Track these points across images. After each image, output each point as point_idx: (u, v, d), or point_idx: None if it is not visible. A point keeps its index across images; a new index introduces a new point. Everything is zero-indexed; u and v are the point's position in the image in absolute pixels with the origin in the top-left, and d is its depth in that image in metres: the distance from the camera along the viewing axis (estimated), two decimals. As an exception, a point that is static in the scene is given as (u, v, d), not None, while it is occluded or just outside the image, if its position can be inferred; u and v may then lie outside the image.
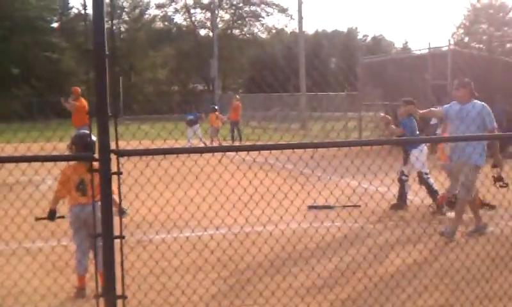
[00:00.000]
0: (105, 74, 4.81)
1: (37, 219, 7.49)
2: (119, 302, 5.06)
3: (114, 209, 5.65)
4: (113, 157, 4.94)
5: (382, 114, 13.77)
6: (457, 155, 9.84)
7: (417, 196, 10.07)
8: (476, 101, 10.11)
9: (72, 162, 7.18)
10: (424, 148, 12.72)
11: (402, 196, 12.54)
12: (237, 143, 26.82)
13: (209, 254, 7.75)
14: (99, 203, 6.17)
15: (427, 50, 29.86)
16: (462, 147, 9.68)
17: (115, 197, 6.33)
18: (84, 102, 19.28)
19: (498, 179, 9.83)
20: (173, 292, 7.00)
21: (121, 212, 6.37)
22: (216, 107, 30.14)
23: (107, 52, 4.80)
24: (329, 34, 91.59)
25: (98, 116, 4.78)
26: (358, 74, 33.38)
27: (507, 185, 9.80)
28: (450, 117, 10.17)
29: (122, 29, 71.49)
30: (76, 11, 72.88)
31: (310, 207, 10.84)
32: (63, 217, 7.45)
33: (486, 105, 10.05)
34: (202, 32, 76.53)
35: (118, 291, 5.03)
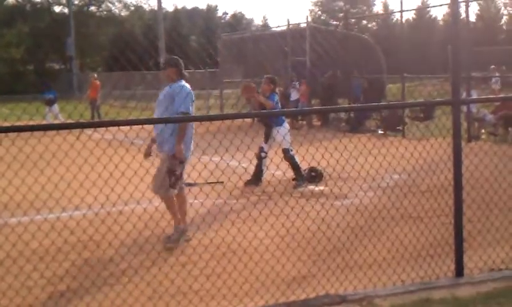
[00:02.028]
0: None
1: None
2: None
3: None
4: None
5: (246, 84, 13.62)
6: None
7: (279, 170, 10.16)
8: (181, 82, 8.71)
9: None
10: (286, 124, 12.88)
11: (257, 172, 12.64)
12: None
13: (69, 234, 7.51)
14: None
15: (286, 27, 30.30)
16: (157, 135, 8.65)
17: None
18: None
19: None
20: (31, 275, 6.73)
21: None
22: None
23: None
24: (189, 12, 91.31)
25: None
26: (219, 51, 33.44)
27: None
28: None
29: (-28, 5, 68.48)
30: None
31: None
32: None
33: (183, 86, 8.63)
34: (57, 9, 74.34)
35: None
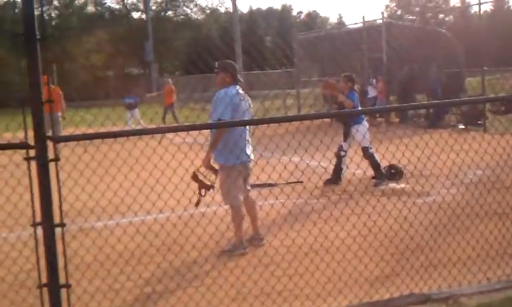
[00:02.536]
0: (37, 60, 4.68)
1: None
2: (63, 291, 4.96)
3: None
4: (50, 143, 4.82)
5: (327, 81, 13.48)
6: None
7: (359, 169, 10.10)
8: (229, 89, 8.37)
9: None
10: (365, 122, 12.80)
11: (337, 171, 12.61)
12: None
13: (153, 237, 7.64)
14: None
15: (361, 24, 30.08)
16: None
17: None
18: (54, 88, 18.99)
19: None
20: (118, 278, 6.89)
21: None
22: None
23: (38, 37, 4.68)
24: (264, 13, 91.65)
25: (32, 102, 4.66)
26: (295, 50, 33.43)
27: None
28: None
29: (53, 15, 70.16)
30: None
31: (253, 185, 10.77)
32: None
33: (226, 93, 8.30)
34: (135, 15, 75.62)
35: (62, 280, 4.93)
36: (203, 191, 8.11)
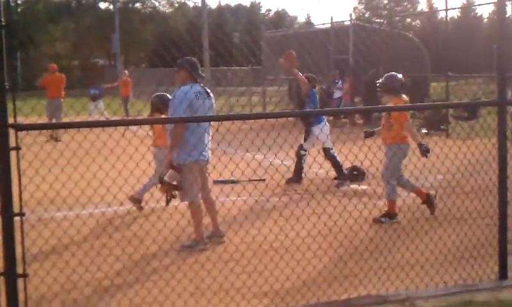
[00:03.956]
0: (1, 46, 4.64)
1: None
2: (20, 280, 4.92)
3: None
4: (12, 131, 4.77)
5: (289, 52, 13.14)
6: None
7: (322, 169, 10.15)
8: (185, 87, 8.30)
9: None
10: (326, 123, 12.83)
11: (298, 170, 12.64)
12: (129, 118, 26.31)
13: (113, 230, 7.62)
14: None
15: (329, 25, 30.20)
16: None
17: None
18: (60, 76, 22.81)
19: None
20: (77, 269, 6.84)
21: None
22: None
23: (3, 23, 4.63)
24: (233, 9, 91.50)
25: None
26: (262, 48, 33.43)
27: None
28: None
29: (19, 1, 69.39)
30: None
31: (216, 181, 10.76)
32: None
33: (179, 91, 8.26)
34: (102, 5, 75.08)
35: (19, 270, 4.89)
36: (173, 192, 8.14)
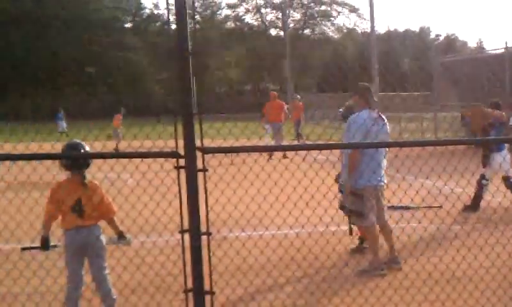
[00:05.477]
0: (189, 72, 4.86)
1: (23, 249, 6.88)
2: (207, 297, 5.09)
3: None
4: (198, 154, 4.96)
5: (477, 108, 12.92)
6: None
7: (506, 198, 9.82)
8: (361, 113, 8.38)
9: (62, 180, 6.48)
10: (507, 151, 12.41)
11: (476, 198, 12.27)
12: (301, 141, 26.52)
13: (295, 252, 7.73)
14: (97, 225, 6.28)
15: (503, 50, 29.26)
16: None
17: (116, 220, 6.46)
18: (279, 102, 25.12)
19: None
20: (260, 289, 7.01)
21: (122, 237, 6.48)
22: (123, 109, 29.45)
23: (190, 51, 4.85)
24: (401, 34, 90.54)
25: (183, 113, 4.82)
26: (433, 74, 32.87)
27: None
28: None
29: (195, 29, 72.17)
30: (148, 11, 74.24)
31: (391, 207, 10.63)
32: (55, 246, 6.50)
33: (356, 118, 8.31)
34: (273, 32, 76.76)
35: (206, 287, 5.07)
36: (353, 218, 8.21)
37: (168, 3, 4.99)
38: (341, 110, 9.48)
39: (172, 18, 5.02)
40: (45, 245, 6.34)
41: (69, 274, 6.37)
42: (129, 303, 6.87)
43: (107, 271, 6.45)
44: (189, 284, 5.09)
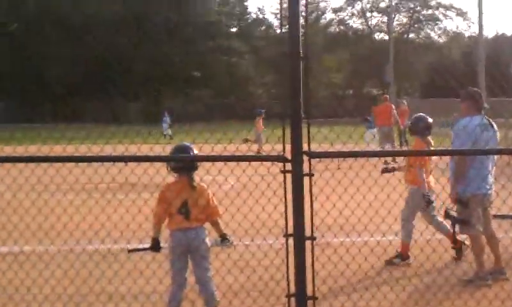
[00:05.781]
0: (299, 76, 4.89)
1: (130, 250, 6.85)
2: (309, 303, 5.10)
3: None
4: (305, 158, 4.98)
5: None
6: None
7: None
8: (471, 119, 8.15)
9: (171, 182, 6.60)
10: None
11: None
12: (404, 148, 26.13)
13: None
14: (203, 227, 6.31)
15: None
16: None
17: (220, 222, 6.47)
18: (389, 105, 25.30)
19: None
20: (363, 296, 6.98)
21: (225, 240, 6.49)
22: (263, 111, 29.27)
23: (302, 55, 4.89)
24: (510, 38, 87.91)
25: (292, 117, 4.86)
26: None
27: None
28: None
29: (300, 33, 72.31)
30: (254, 16, 74.96)
31: (495, 216, 10.35)
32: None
33: (466, 126, 8.09)
34: (378, 36, 76.09)
35: (309, 292, 5.07)
36: (459, 227, 8.06)
37: (281, 8, 5.07)
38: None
39: (281, 22, 5.08)
40: (155, 246, 6.47)
41: (173, 275, 6.48)
42: (232, 306, 6.95)
43: (211, 273, 6.55)
44: (292, 289, 5.12)
